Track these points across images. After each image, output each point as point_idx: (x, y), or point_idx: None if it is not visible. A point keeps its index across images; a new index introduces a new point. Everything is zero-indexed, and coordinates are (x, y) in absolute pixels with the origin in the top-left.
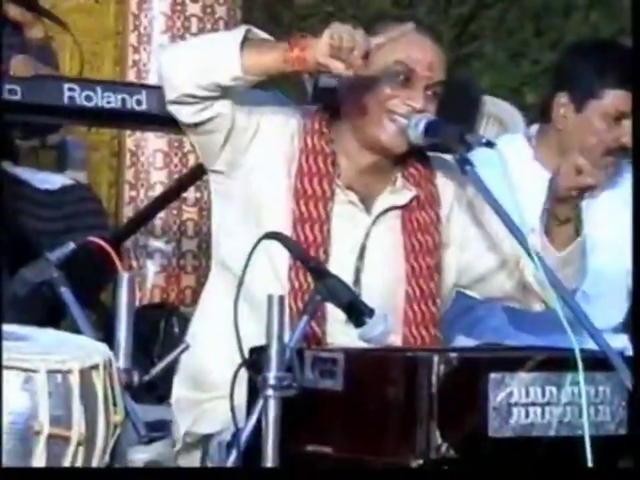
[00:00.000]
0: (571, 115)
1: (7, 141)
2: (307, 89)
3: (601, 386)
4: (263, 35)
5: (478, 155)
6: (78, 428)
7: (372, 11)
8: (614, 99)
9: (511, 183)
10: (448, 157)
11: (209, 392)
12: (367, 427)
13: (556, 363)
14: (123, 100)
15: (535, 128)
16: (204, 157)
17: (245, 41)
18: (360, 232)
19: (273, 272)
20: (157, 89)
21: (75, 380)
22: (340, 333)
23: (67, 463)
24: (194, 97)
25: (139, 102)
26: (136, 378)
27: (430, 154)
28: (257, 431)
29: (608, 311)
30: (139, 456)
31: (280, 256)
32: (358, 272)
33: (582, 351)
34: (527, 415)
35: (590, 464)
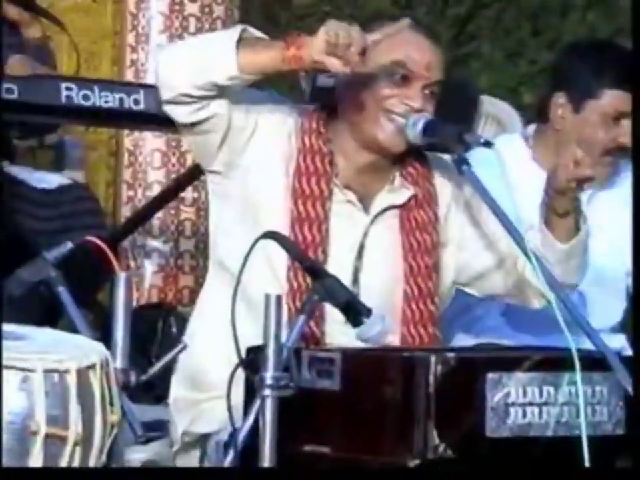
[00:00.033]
0: (569, 115)
1: (5, 140)
2: (304, 89)
3: (598, 386)
4: (259, 34)
5: (476, 155)
6: (75, 428)
7: (370, 11)
8: (612, 99)
9: (508, 182)
10: (445, 156)
11: (206, 392)
12: (364, 426)
13: (553, 363)
14: (121, 99)
15: (532, 128)
16: (201, 157)
17: (241, 40)
18: (358, 231)
19: (271, 272)
20: (154, 89)
21: (72, 380)
22: (339, 333)
23: (63, 462)
24: (190, 96)
25: (136, 101)
26: (133, 378)
27: (428, 154)
28: (255, 431)
29: (606, 311)
30: (136, 456)
31: (278, 256)
32: (356, 271)
33: (579, 350)
34: (525, 415)
35: (587, 464)
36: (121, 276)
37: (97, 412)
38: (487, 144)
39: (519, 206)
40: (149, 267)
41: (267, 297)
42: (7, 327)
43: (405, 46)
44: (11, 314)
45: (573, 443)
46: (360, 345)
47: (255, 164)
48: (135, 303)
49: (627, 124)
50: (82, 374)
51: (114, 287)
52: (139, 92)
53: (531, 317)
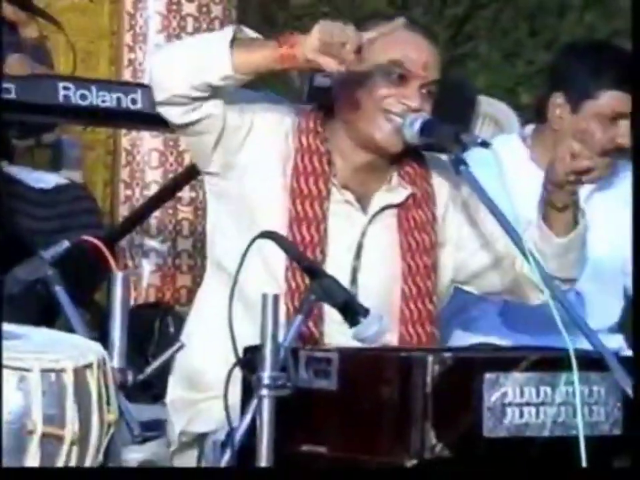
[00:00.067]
0: (567, 116)
1: (2, 140)
2: (301, 89)
3: (596, 386)
4: (253, 33)
5: (473, 155)
6: (71, 427)
7: (367, 11)
8: (610, 99)
9: (506, 182)
10: (443, 156)
11: (204, 392)
12: (361, 426)
13: (550, 363)
14: (118, 99)
15: (530, 128)
16: (197, 158)
17: (235, 40)
18: (356, 231)
19: (268, 272)
20: (151, 89)
21: (68, 379)
22: (337, 333)
23: (60, 462)
24: (184, 97)
25: (134, 101)
26: (130, 377)
27: (425, 153)
28: (252, 431)
29: (604, 311)
30: (133, 455)
31: (276, 256)
32: (355, 271)
33: (576, 350)
34: (521, 415)
35: (584, 464)
36: (118, 275)
37: (94, 411)
38: (484, 144)
39: (516, 206)
40: (147, 267)
41: (264, 296)
42: (4, 327)
43: (402, 45)
44: (8, 313)
45: (570, 443)
46: (358, 344)
47: (251, 164)
48: (132, 302)
49: (624, 124)
50: (79, 373)
51: (111, 286)
52: (137, 91)
53: (528, 316)
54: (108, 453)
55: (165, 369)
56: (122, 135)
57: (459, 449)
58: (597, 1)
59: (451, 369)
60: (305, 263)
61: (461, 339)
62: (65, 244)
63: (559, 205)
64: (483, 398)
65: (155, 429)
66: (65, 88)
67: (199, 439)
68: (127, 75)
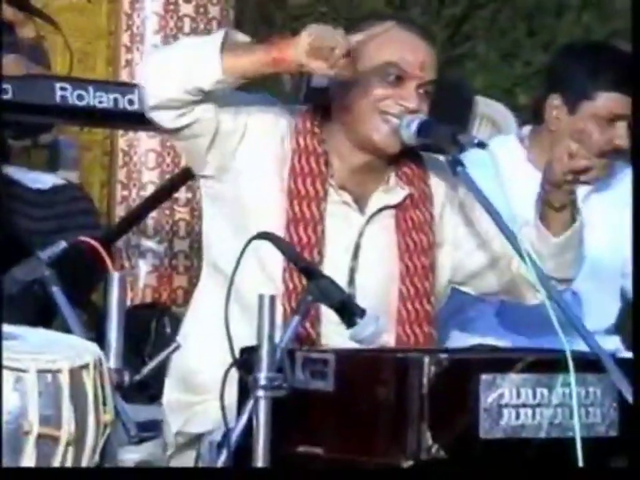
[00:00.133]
0: (564, 117)
1: (0, 140)
2: (292, 92)
3: (592, 387)
4: (243, 37)
5: (470, 156)
6: (67, 428)
7: (364, 11)
8: (607, 101)
9: (503, 183)
10: (440, 157)
11: (200, 394)
12: (357, 427)
13: (547, 364)
14: (115, 100)
15: (527, 129)
16: (190, 161)
17: (225, 44)
18: (354, 232)
19: (264, 274)
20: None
21: (64, 379)
22: (334, 334)
23: (56, 462)
24: (176, 101)
25: (131, 102)
26: (126, 378)
27: (423, 154)
28: (248, 431)
29: (601, 312)
30: (130, 456)
31: (272, 258)
32: (352, 272)
33: (573, 352)
34: (518, 417)
35: (581, 465)
36: (115, 276)
37: (90, 412)
38: (481, 145)
39: (513, 206)
40: (143, 267)
41: (261, 297)
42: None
43: (398, 46)
44: (5, 314)
45: (566, 444)
46: (355, 345)
47: (247, 167)
48: (129, 303)
49: (621, 126)
50: (75, 374)
51: (107, 287)
52: (134, 92)
53: (525, 317)
54: (104, 454)
55: (162, 370)
56: (119, 136)
57: (456, 450)
58: (594, 1)
59: (448, 370)
60: (302, 264)
61: (459, 339)
62: (62, 244)
63: (557, 204)
64: (480, 399)
65: (151, 429)
66: (62, 88)
67: (196, 440)
68: (124, 76)
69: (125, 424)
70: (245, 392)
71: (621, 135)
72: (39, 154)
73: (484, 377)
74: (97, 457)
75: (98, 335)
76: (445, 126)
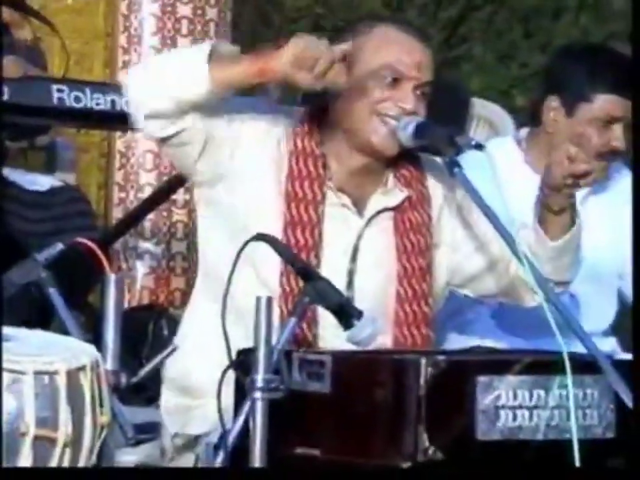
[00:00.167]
0: (561, 119)
1: None
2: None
3: (589, 389)
4: (229, 48)
5: (467, 158)
6: (64, 429)
7: (362, 13)
8: (604, 103)
9: (500, 185)
10: (437, 159)
11: (198, 398)
12: (354, 429)
13: (544, 366)
14: (113, 101)
15: (524, 131)
16: (181, 169)
17: (212, 55)
18: (352, 234)
19: (259, 280)
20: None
21: (61, 381)
22: (332, 336)
23: (53, 464)
24: (165, 113)
25: (128, 103)
26: (123, 379)
27: (421, 155)
28: (245, 433)
29: (599, 314)
30: (127, 458)
31: (268, 262)
32: (351, 274)
33: (570, 353)
34: (515, 418)
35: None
36: (111, 277)
37: (87, 414)
38: (478, 146)
39: (510, 208)
40: (141, 269)
41: (258, 299)
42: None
43: (394, 47)
44: (2, 315)
45: (564, 446)
46: (353, 348)
47: (243, 172)
48: (126, 305)
49: (618, 128)
50: (72, 375)
51: (104, 289)
52: None
53: (523, 319)
54: (101, 456)
55: (159, 372)
56: (116, 138)
57: (453, 451)
58: (591, 3)
59: (445, 371)
60: (299, 265)
61: (457, 341)
62: (59, 246)
63: (556, 207)
64: (477, 401)
65: (148, 431)
66: (59, 90)
67: (194, 442)
68: (121, 77)
69: (122, 426)
70: (241, 393)
71: (617, 136)
72: (35, 156)
73: (481, 378)
74: (93, 459)
75: (95, 337)
76: (442, 127)
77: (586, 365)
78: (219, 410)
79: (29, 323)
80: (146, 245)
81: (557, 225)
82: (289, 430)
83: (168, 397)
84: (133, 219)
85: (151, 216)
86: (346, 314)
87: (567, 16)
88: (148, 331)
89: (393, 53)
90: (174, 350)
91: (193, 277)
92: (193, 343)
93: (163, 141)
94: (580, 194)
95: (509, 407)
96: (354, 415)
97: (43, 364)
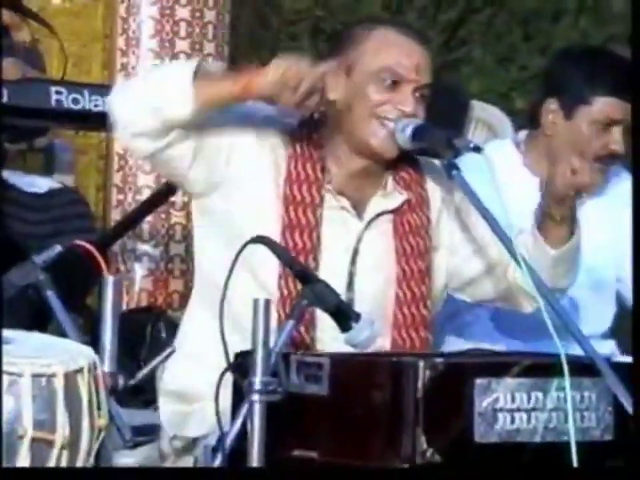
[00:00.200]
0: (560, 122)
1: None
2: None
3: (587, 392)
4: (214, 65)
5: (466, 160)
6: (62, 432)
7: (361, 15)
8: (604, 105)
9: (498, 188)
10: (436, 161)
11: (196, 402)
12: (352, 432)
13: (542, 368)
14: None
15: (523, 133)
16: (175, 181)
17: (197, 74)
18: (352, 237)
19: (257, 283)
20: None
21: (59, 383)
22: (330, 338)
23: (50, 466)
24: (151, 132)
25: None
26: (121, 382)
27: (419, 158)
28: (243, 435)
29: (597, 317)
30: (125, 460)
31: (265, 265)
32: (351, 277)
33: (568, 356)
34: (513, 421)
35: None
36: (109, 279)
37: (84, 416)
38: (477, 149)
39: (509, 211)
40: (139, 271)
41: (256, 302)
42: None
43: (393, 50)
44: (2, 317)
45: (561, 448)
46: (351, 350)
47: (239, 178)
48: (124, 307)
49: (617, 131)
50: (69, 378)
51: (102, 290)
52: None
53: (521, 322)
54: (99, 458)
55: (157, 374)
56: (114, 140)
57: (450, 454)
58: (591, 6)
59: (442, 374)
60: (297, 268)
61: (454, 344)
62: (57, 248)
63: (558, 217)
64: (474, 403)
65: (146, 433)
66: (58, 92)
67: (193, 445)
68: (119, 79)
69: (120, 428)
70: (239, 396)
71: (616, 139)
72: (34, 157)
73: (479, 381)
74: (91, 461)
75: (93, 339)
76: (440, 130)
77: (584, 368)
78: (217, 412)
79: (27, 325)
80: (144, 247)
81: (556, 234)
82: (287, 432)
83: (165, 404)
84: (132, 221)
85: (149, 218)
86: (344, 316)
87: (567, 19)
88: (146, 333)
89: (392, 56)
90: (172, 353)
91: (191, 279)
92: (190, 350)
93: (152, 155)
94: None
95: (507, 410)
96: (352, 418)
97: (40, 366)
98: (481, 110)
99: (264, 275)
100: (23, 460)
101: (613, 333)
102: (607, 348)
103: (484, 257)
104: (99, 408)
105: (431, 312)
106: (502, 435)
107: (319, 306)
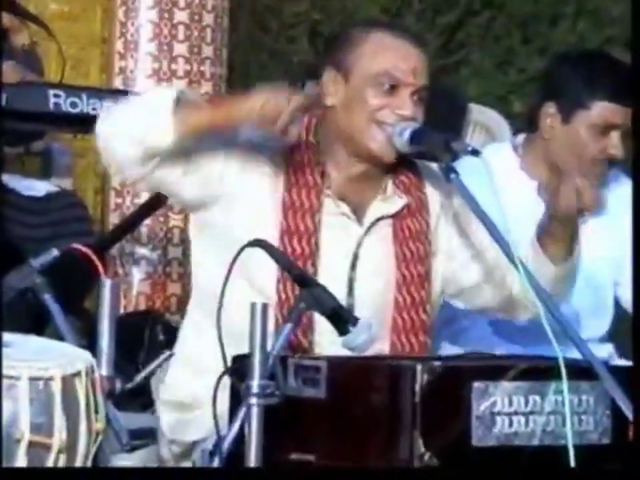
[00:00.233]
0: (558, 125)
1: None
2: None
3: (585, 395)
4: (193, 92)
5: (464, 163)
6: (59, 435)
7: (359, 19)
8: (602, 110)
9: (496, 191)
10: (434, 165)
11: (195, 410)
12: (350, 435)
13: (540, 371)
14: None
15: (521, 137)
16: (166, 192)
17: (178, 102)
18: (352, 242)
19: (254, 288)
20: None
21: (56, 387)
22: (328, 342)
23: None
24: (134, 159)
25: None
26: (118, 385)
27: (418, 162)
28: (240, 439)
29: (594, 320)
30: (122, 463)
31: (263, 271)
32: (351, 282)
33: (565, 359)
34: (511, 424)
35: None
36: (107, 282)
37: (82, 420)
38: (475, 152)
39: (507, 215)
40: (137, 274)
41: (253, 305)
42: None
43: (390, 54)
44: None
45: (559, 452)
46: (348, 353)
47: (234, 194)
48: (122, 310)
49: (615, 135)
50: (67, 381)
51: (100, 294)
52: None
53: (518, 327)
54: (96, 462)
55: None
56: None
57: (448, 457)
58: (589, 9)
59: (440, 377)
60: (295, 272)
61: (452, 348)
62: (54, 252)
63: (559, 235)
64: (472, 407)
65: (144, 437)
66: (56, 95)
67: (191, 449)
68: (117, 83)
69: (117, 432)
70: (237, 399)
71: (614, 144)
72: (32, 161)
73: (476, 384)
74: (88, 465)
75: (91, 342)
76: (438, 133)
77: (582, 371)
78: (214, 416)
79: (24, 329)
80: (142, 251)
81: (556, 248)
82: (284, 435)
83: (165, 412)
84: (130, 224)
85: (147, 221)
86: (341, 320)
87: (565, 22)
88: (144, 337)
89: (389, 60)
90: (169, 357)
91: (189, 282)
92: (190, 357)
93: (143, 179)
94: None
95: (505, 413)
96: (349, 421)
97: (38, 370)
98: (479, 113)
99: (261, 279)
100: (21, 463)
101: (611, 336)
102: (605, 352)
103: (482, 263)
104: (96, 411)
105: (430, 317)
106: (500, 438)
107: (317, 309)
